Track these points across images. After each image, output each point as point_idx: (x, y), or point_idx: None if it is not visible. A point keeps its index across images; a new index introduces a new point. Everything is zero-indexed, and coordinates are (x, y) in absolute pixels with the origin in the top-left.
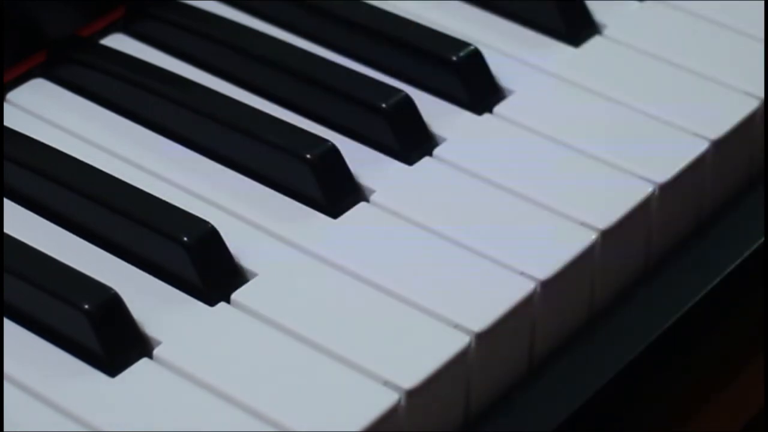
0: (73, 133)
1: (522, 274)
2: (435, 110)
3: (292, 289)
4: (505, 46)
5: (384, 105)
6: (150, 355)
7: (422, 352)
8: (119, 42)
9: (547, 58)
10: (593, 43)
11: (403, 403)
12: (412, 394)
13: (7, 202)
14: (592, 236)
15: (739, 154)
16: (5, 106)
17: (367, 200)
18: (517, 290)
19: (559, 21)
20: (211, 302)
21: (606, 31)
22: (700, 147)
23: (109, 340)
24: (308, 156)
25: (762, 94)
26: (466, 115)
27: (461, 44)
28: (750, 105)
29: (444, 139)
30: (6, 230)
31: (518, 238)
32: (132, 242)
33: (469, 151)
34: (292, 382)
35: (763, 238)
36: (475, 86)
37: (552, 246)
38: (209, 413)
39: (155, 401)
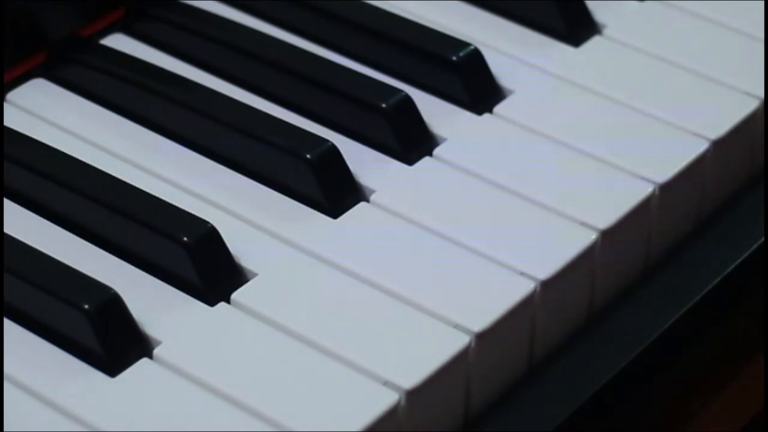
0: (73, 133)
1: (522, 274)
2: (435, 110)
3: (292, 289)
4: (505, 46)
5: (384, 105)
6: (150, 355)
7: (422, 352)
8: (119, 42)
9: (547, 58)
10: (593, 43)
11: (403, 403)
12: (412, 394)
13: (7, 202)
14: (592, 236)
15: (739, 154)
16: (5, 106)
17: (367, 200)
18: (517, 290)
19: (559, 21)
20: (211, 302)
21: (606, 31)
22: (700, 147)
23: (109, 340)
24: (308, 156)
25: (762, 94)
26: (466, 115)
27: (461, 44)
28: (750, 105)
29: (444, 139)
30: (6, 230)
31: (518, 238)
32: (132, 242)
33: (469, 151)
34: (291, 382)
35: (763, 238)
36: (475, 86)
37: (552, 246)
38: (209, 413)
39: (155, 401)
